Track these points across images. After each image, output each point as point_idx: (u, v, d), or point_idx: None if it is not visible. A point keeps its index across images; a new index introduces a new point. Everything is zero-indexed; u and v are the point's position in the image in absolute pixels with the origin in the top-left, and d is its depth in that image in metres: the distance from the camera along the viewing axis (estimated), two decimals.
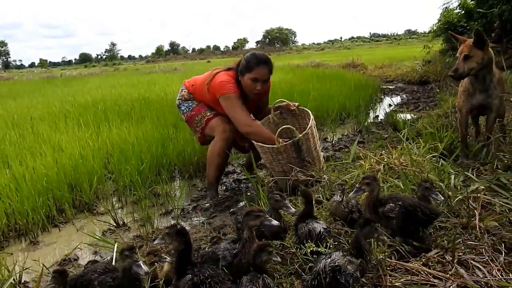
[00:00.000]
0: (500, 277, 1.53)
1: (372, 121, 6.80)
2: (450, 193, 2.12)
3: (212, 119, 3.46)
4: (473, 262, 1.59)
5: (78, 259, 2.68)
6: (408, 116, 6.23)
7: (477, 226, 1.84)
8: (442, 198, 1.96)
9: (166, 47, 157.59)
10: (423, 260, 1.68)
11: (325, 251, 1.63)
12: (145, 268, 1.52)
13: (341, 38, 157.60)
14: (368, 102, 8.17)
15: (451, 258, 1.61)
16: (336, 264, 1.47)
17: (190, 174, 4.28)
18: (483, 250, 1.69)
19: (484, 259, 1.62)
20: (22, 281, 2.38)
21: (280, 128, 3.28)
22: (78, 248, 2.78)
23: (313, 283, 1.47)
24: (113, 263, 1.92)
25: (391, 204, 1.87)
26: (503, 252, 1.70)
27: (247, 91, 3.36)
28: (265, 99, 3.82)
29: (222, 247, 1.75)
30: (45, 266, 2.47)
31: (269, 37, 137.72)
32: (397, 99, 9.15)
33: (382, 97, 9.70)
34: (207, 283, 1.43)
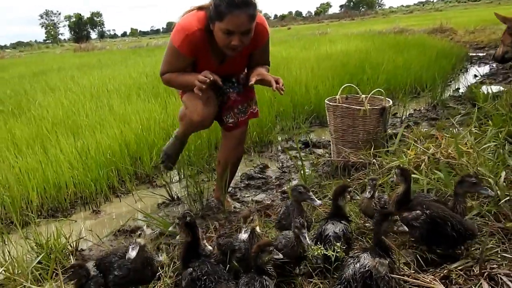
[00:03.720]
0: None
1: (451, 94, 6.29)
2: (499, 191, 1.86)
3: (184, 93, 2.73)
4: (505, 279, 1.40)
5: (132, 230, 2.85)
6: (495, 89, 5.64)
7: None
8: (493, 193, 1.74)
9: None
10: (444, 272, 1.51)
11: (332, 254, 1.54)
12: (130, 254, 1.56)
13: None
14: (449, 72, 7.55)
15: (478, 271, 1.43)
16: (367, 269, 1.39)
17: (247, 148, 4.30)
18: None
19: None
20: (79, 248, 2.58)
21: (369, 95, 3.40)
22: (132, 219, 2.95)
23: None
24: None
25: (417, 211, 1.68)
26: None
27: (221, 46, 2.36)
28: (258, 56, 2.67)
29: (240, 238, 1.72)
30: (99, 237, 2.70)
31: (353, 0, 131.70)
32: (484, 69, 8.34)
33: (469, 66, 8.90)
34: (202, 280, 1.44)
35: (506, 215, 1.84)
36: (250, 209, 1.74)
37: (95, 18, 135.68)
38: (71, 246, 2.54)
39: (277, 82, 2.39)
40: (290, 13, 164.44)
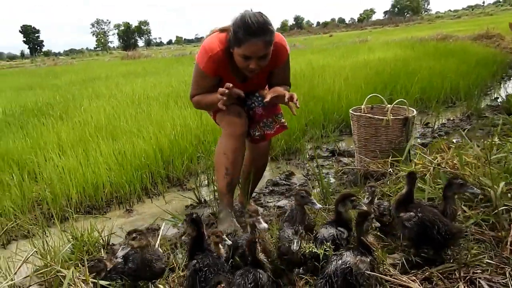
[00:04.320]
0: None
1: (489, 103, 6.16)
2: (497, 202, 1.90)
3: (215, 114, 2.82)
4: (484, 283, 1.46)
5: (159, 229, 3.05)
6: None
7: (509, 242, 1.64)
8: (479, 191, 1.82)
9: (291, 21, 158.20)
10: (426, 274, 1.59)
11: (321, 252, 1.65)
12: (119, 253, 1.85)
13: (483, 2, 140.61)
14: (489, 81, 7.37)
15: (462, 275, 1.50)
16: (348, 266, 1.50)
17: (275, 155, 4.43)
18: (509, 271, 1.52)
19: (504, 281, 1.47)
20: (110, 243, 2.81)
21: (392, 105, 3.40)
22: (161, 219, 3.15)
23: (325, 287, 1.51)
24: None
25: (411, 213, 1.78)
26: None
27: (240, 68, 2.51)
28: (278, 75, 2.74)
29: (244, 237, 1.87)
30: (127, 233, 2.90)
31: (398, 6, 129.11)
32: None
33: None
34: (203, 271, 1.62)
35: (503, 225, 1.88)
36: (256, 207, 1.88)
37: (142, 26, 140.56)
38: (103, 241, 2.76)
39: (291, 99, 2.41)
40: (333, 20, 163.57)
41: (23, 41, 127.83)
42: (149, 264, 1.81)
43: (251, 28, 2.28)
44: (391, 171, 2.81)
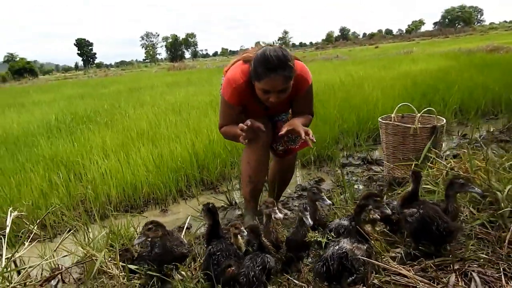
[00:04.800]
0: None
1: None
2: (502, 203, 1.94)
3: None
4: (475, 275, 1.51)
5: (191, 227, 3.22)
6: None
7: (507, 240, 1.71)
8: (480, 190, 1.87)
9: (337, 33, 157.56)
10: (422, 265, 1.66)
11: (324, 240, 1.75)
12: (135, 241, 2.10)
13: None
14: None
15: (457, 268, 1.56)
16: (344, 251, 1.61)
17: (306, 161, 4.52)
18: (504, 267, 1.57)
19: (497, 276, 1.51)
20: None
21: (420, 113, 3.44)
22: (193, 218, 3.32)
23: (322, 269, 1.62)
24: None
25: (413, 209, 1.85)
26: None
27: (261, 100, 2.62)
28: (299, 103, 2.82)
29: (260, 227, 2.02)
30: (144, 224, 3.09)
31: (448, 17, 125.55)
32: None
33: None
34: (216, 255, 1.79)
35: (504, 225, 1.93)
36: (273, 199, 2.02)
37: (189, 38, 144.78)
38: (137, 235, 2.96)
39: (307, 134, 2.45)
40: (380, 31, 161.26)
41: (77, 53, 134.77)
42: (170, 250, 2.00)
43: (271, 64, 2.35)
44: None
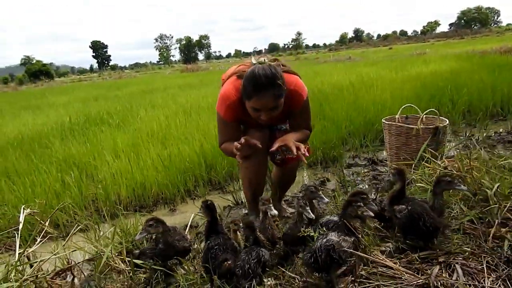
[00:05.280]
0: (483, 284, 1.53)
1: None
2: (491, 201, 2.02)
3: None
4: (458, 267, 1.59)
5: (198, 226, 3.31)
6: None
7: (492, 234, 1.80)
8: (465, 188, 1.96)
9: (350, 34, 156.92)
10: (408, 258, 1.73)
11: (316, 235, 1.83)
12: (137, 237, 2.18)
13: None
14: None
15: (442, 260, 1.63)
16: (331, 243, 1.70)
17: (313, 161, 4.58)
18: (487, 260, 1.64)
19: (480, 268, 1.58)
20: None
21: (423, 114, 3.52)
22: (199, 217, 3.40)
23: (310, 260, 1.71)
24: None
25: (402, 206, 1.92)
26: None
27: (253, 118, 2.64)
28: (295, 118, 2.82)
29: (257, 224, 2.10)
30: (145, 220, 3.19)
31: (464, 18, 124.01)
32: None
33: None
34: (214, 249, 1.89)
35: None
36: (269, 197, 2.11)
37: (203, 40, 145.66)
38: None
39: (298, 149, 2.41)
40: (394, 32, 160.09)
41: (93, 56, 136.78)
42: (172, 244, 2.10)
43: (259, 82, 2.36)
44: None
